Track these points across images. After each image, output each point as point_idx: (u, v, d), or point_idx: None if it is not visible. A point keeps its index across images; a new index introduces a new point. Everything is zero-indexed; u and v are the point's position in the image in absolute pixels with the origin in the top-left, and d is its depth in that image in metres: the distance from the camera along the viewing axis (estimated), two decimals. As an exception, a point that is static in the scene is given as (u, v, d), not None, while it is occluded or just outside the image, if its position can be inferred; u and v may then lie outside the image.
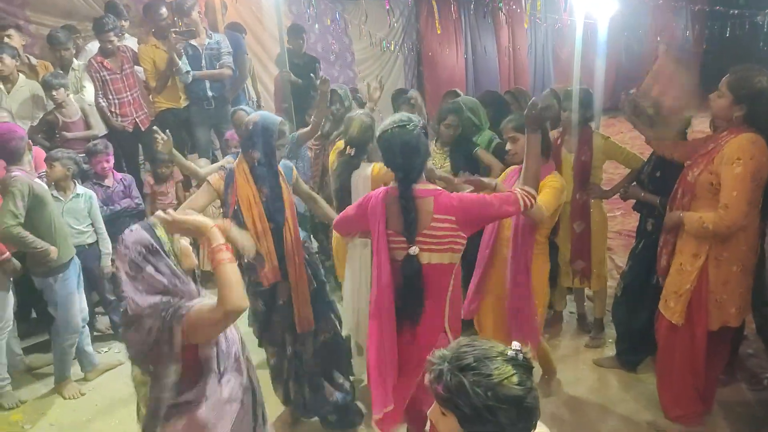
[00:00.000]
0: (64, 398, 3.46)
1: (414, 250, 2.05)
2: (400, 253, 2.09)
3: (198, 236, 1.71)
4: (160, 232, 1.72)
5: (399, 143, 2.06)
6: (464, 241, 2.11)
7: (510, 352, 1.21)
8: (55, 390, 3.49)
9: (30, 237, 3.10)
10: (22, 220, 3.06)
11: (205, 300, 1.73)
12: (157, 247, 1.69)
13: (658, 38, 10.48)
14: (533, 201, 2.15)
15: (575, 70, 3.64)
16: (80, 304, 3.43)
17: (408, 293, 2.09)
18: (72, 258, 3.36)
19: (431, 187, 2.13)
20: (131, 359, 1.76)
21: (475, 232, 2.21)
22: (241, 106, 3.67)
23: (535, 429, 1.24)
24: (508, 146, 2.78)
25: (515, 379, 1.17)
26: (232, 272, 1.64)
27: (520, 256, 2.55)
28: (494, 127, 3.67)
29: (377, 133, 2.20)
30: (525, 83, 10.23)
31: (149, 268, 1.67)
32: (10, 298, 3.34)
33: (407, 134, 2.06)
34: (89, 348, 3.60)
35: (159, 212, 1.72)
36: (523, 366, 1.21)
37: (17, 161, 3.10)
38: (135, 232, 1.71)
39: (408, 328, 2.14)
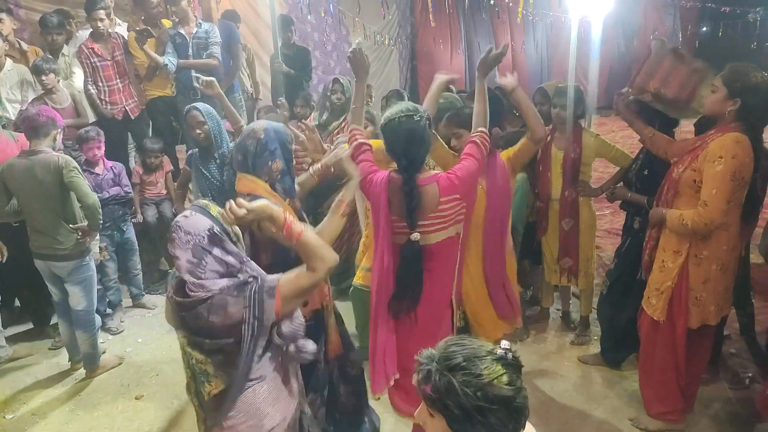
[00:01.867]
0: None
1: (415, 236, 2.10)
2: (402, 238, 2.15)
3: (269, 220, 1.72)
4: (214, 211, 1.71)
5: (404, 132, 2.08)
6: (465, 210, 2.20)
7: (499, 351, 1.19)
8: (88, 375, 3.50)
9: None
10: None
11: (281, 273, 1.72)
12: (219, 229, 1.67)
13: (651, 37, 10.51)
14: (487, 138, 2.23)
15: (570, 67, 3.64)
16: None
17: (409, 276, 2.15)
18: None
19: (431, 173, 2.18)
20: (192, 344, 1.69)
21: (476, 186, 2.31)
22: (195, 105, 3.30)
23: (524, 429, 1.22)
24: (453, 142, 2.75)
25: (505, 378, 1.15)
26: (313, 237, 1.71)
27: (495, 234, 2.61)
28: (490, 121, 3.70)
29: (382, 122, 2.21)
30: (523, 80, 10.22)
31: (216, 251, 1.65)
32: None
33: (413, 123, 2.08)
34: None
35: (229, 205, 1.68)
36: (512, 365, 1.19)
37: (43, 139, 3.16)
38: (193, 217, 1.66)
39: (414, 308, 2.19)
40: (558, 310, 3.95)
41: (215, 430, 1.75)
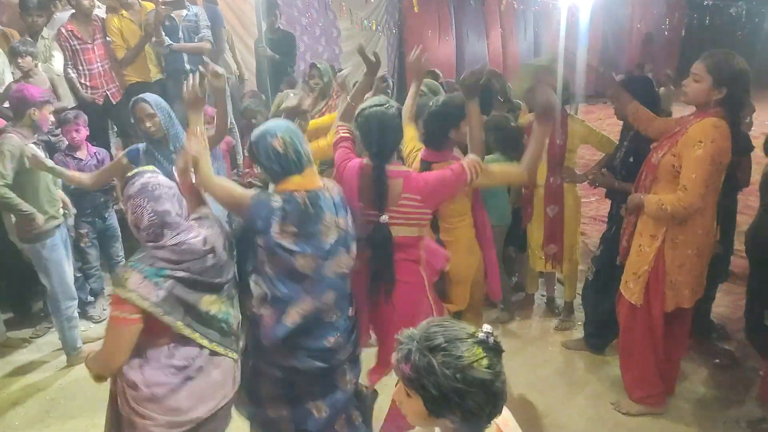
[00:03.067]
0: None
1: (384, 218, 2.14)
2: (371, 226, 2.17)
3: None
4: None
5: (376, 123, 2.14)
6: (430, 216, 2.22)
7: (481, 335, 1.18)
8: (68, 363, 3.45)
9: (16, 200, 3.08)
10: (10, 182, 3.05)
11: None
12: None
13: (638, 25, 10.55)
14: (479, 168, 2.17)
15: (559, 54, 3.63)
16: (71, 272, 3.39)
17: (379, 260, 2.18)
18: (60, 224, 3.32)
19: (402, 168, 2.23)
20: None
21: (445, 201, 2.35)
22: (142, 96, 2.95)
23: (500, 414, 1.22)
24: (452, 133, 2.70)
25: (485, 362, 1.14)
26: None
27: (481, 224, 2.72)
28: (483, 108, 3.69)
29: (356, 112, 2.25)
30: (515, 67, 10.16)
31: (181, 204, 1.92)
32: None
33: (383, 115, 2.14)
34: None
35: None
36: (493, 349, 1.18)
37: (18, 121, 3.11)
38: (161, 176, 1.90)
39: (387, 294, 2.21)
40: (543, 296, 3.97)
41: None
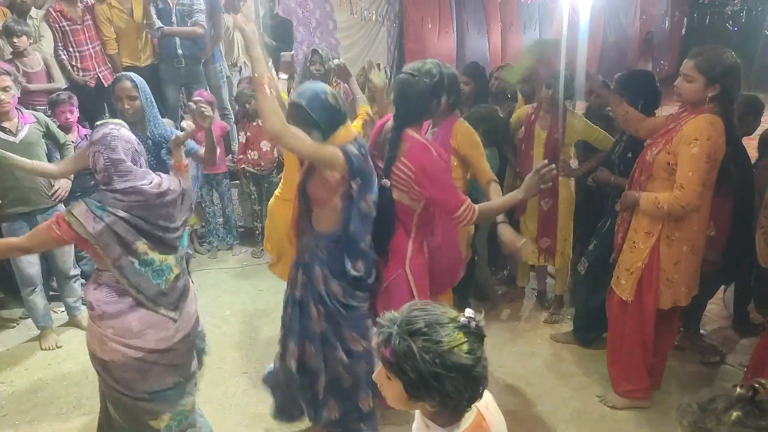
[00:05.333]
0: (41, 348, 3.45)
1: (385, 183, 2.26)
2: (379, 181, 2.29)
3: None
4: None
5: (401, 86, 2.27)
6: (419, 196, 2.26)
7: (462, 319, 1.17)
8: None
9: None
10: None
11: None
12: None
13: (638, 24, 10.52)
14: (471, 220, 2.25)
15: (561, 50, 3.62)
16: (31, 257, 3.34)
17: (380, 223, 2.28)
18: (28, 213, 3.26)
19: (417, 136, 2.27)
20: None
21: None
22: (126, 74, 2.84)
23: (481, 398, 1.22)
24: None
25: (465, 347, 1.13)
26: None
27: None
28: (478, 99, 3.73)
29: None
30: (516, 60, 10.10)
31: (141, 160, 2.10)
32: None
33: (411, 81, 2.25)
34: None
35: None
36: (474, 334, 1.17)
37: None
38: (124, 130, 2.08)
39: (378, 253, 2.33)
40: (534, 289, 3.98)
41: None
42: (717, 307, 3.70)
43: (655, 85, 3.15)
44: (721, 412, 1.04)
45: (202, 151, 2.95)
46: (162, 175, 2.17)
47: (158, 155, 2.88)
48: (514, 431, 2.60)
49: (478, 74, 3.93)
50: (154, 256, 2.08)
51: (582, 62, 3.56)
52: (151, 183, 2.05)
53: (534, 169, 2.25)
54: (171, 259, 2.15)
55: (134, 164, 2.04)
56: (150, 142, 2.84)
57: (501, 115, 3.61)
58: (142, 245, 2.04)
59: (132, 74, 2.84)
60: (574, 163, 3.70)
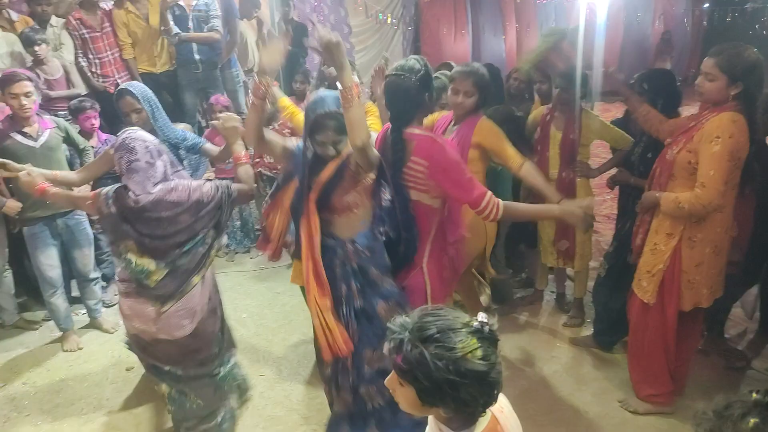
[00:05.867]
0: (63, 350, 3.51)
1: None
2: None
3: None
4: None
5: (392, 87, 2.24)
6: (437, 191, 2.23)
7: (475, 324, 1.14)
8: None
9: None
10: None
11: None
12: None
13: (657, 23, 10.37)
14: (497, 215, 2.17)
15: (578, 50, 3.59)
16: (52, 260, 3.39)
17: (404, 223, 2.28)
18: (46, 217, 3.31)
19: (420, 131, 2.26)
20: (140, 247, 2.29)
21: (443, 193, 2.28)
22: (127, 86, 2.79)
23: (495, 402, 1.19)
24: (460, 98, 2.79)
25: (479, 353, 1.11)
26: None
27: None
28: (493, 99, 3.65)
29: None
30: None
31: (160, 161, 2.26)
32: None
33: (401, 81, 2.20)
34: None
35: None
36: (488, 339, 1.14)
37: None
38: (141, 132, 2.28)
39: (392, 255, 2.31)
40: (552, 292, 3.93)
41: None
42: (742, 311, 3.61)
43: (675, 83, 3.09)
44: (738, 419, 1.01)
45: (215, 151, 2.98)
46: (180, 182, 2.29)
47: (178, 156, 2.91)
48: (532, 436, 2.60)
49: (493, 75, 3.89)
50: (133, 257, 2.26)
51: (599, 62, 3.51)
52: (147, 196, 2.20)
53: (581, 204, 2.24)
54: (151, 264, 2.26)
55: (154, 162, 2.22)
56: (166, 145, 2.86)
57: (520, 115, 3.57)
58: (126, 244, 2.25)
59: (132, 86, 2.80)
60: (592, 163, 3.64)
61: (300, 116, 3.09)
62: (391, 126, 2.28)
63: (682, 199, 2.38)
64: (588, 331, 3.45)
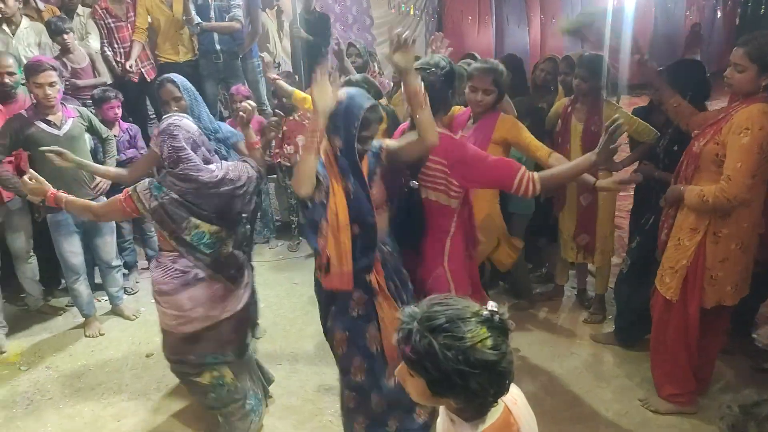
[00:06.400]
0: (86, 335, 3.57)
1: (414, 183, 2.21)
2: (403, 185, 2.24)
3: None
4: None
5: None
6: (459, 189, 2.19)
7: (485, 313, 1.12)
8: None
9: (4, 174, 3.22)
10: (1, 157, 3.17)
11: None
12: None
13: (687, 13, 10.10)
14: (535, 189, 2.10)
15: (605, 42, 3.52)
16: (75, 247, 3.44)
17: (408, 222, 2.26)
18: None
19: (439, 130, 2.19)
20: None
21: (474, 187, 2.27)
22: (169, 76, 2.83)
23: (507, 393, 1.17)
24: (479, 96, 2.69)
25: (489, 342, 1.08)
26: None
27: None
28: (516, 91, 3.58)
29: None
30: (558, 54, 9.86)
31: (201, 149, 2.28)
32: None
33: (428, 76, 2.14)
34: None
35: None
36: (498, 328, 1.11)
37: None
38: (186, 120, 2.29)
39: (412, 257, 2.29)
40: (573, 288, 3.86)
41: None
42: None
43: (704, 74, 3.00)
44: (765, 419, 0.97)
45: (243, 144, 2.90)
46: (227, 163, 2.36)
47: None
48: (549, 433, 2.56)
49: (516, 66, 3.83)
50: (204, 228, 2.27)
51: (626, 54, 3.42)
52: (209, 173, 2.24)
53: (605, 130, 2.02)
54: (222, 232, 2.31)
55: (194, 152, 2.23)
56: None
57: (541, 106, 3.51)
58: (195, 220, 2.25)
59: (173, 75, 2.85)
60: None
61: (310, 102, 3.05)
62: (410, 121, 2.23)
63: (706, 192, 2.31)
64: (609, 328, 3.39)
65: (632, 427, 2.63)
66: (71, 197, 2.40)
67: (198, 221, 2.25)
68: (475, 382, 1.08)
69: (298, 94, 3.23)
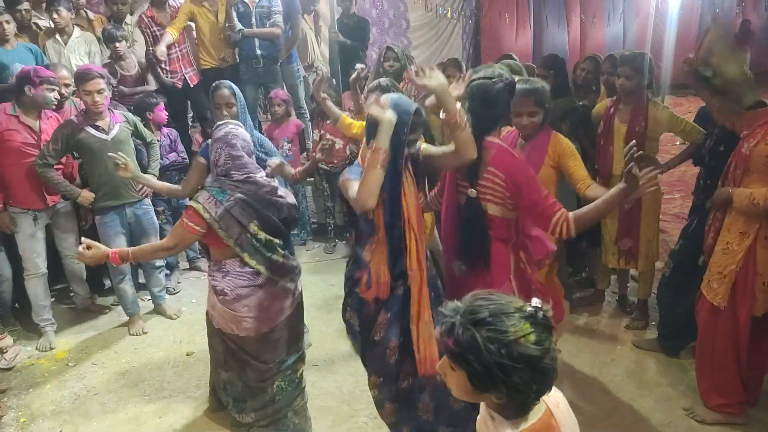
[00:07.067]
0: (130, 333, 3.69)
1: (472, 192, 2.18)
2: (464, 197, 2.22)
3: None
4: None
5: (479, 95, 2.17)
6: (513, 204, 2.17)
7: (529, 309, 1.12)
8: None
9: (56, 178, 3.36)
10: (52, 162, 3.30)
11: None
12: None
13: (737, 10, 9.72)
14: (569, 233, 2.05)
15: (647, 40, 3.43)
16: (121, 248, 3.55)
17: (470, 234, 2.22)
18: (117, 206, 3.48)
19: (500, 142, 2.21)
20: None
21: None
22: (224, 82, 2.98)
23: (549, 392, 1.16)
24: (515, 119, 2.62)
25: (533, 337, 1.08)
26: None
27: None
28: (557, 92, 3.50)
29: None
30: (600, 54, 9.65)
31: (253, 157, 2.44)
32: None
33: (487, 86, 2.15)
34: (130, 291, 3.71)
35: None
36: (542, 325, 1.11)
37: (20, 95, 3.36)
38: (242, 129, 2.40)
39: (477, 271, 2.24)
40: (614, 293, 3.76)
41: None
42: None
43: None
44: None
45: (289, 169, 2.95)
46: (270, 179, 2.49)
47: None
48: (589, 440, 2.50)
49: (558, 67, 3.78)
50: (262, 235, 2.36)
51: (670, 53, 3.31)
52: (263, 176, 2.38)
53: (625, 163, 1.96)
54: (276, 240, 2.42)
55: (249, 160, 2.35)
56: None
57: (583, 105, 3.43)
58: (253, 226, 2.33)
59: (229, 82, 2.97)
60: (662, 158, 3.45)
61: (357, 128, 3.06)
62: (472, 130, 2.14)
63: (757, 195, 2.23)
64: (652, 334, 3.29)
65: (677, 438, 2.55)
66: (136, 248, 2.43)
67: (256, 227, 2.34)
68: (517, 376, 1.08)
69: (346, 119, 3.16)
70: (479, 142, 2.13)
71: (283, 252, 2.47)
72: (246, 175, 2.32)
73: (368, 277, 2.10)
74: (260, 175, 2.40)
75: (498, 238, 2.21)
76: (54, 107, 3.48)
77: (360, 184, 2.00)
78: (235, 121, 2.51)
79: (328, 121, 4.46)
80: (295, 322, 2.58)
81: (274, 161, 2.74)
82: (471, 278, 2.22)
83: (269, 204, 2.39)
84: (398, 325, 2.14)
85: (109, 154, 3.04)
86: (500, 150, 2.15)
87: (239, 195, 2.29)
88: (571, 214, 2.06)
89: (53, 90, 3.36)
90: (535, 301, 1.14)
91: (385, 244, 2.08)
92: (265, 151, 3.00)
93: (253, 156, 2.42)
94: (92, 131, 3.32)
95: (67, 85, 3.62)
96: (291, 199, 2.52)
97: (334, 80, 4.77)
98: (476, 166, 2.15)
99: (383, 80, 3.12)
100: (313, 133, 4.72)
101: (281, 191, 2.47)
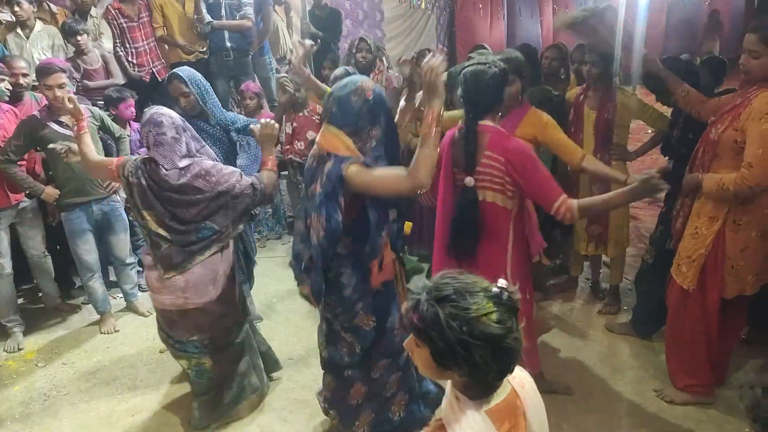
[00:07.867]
0: (101, 332, 3.63)
1: (469, 181, 2.16)
2: (460, 189, 2.21)
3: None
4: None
5: (471, 78, 2.17)
6: (514, 188, 2.16)
7: (494, 289, 1.13)
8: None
9: (19, 175, 3.27)
10: (14, 158, 3.22)
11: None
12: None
13: (707, 2, 9.89)
14: (572, 218, 2.07)
15: (618, 31, 3.45)
16: (89, 245, 3.50)
17: (464, 226, 2.20)
18: (81, 204, 3.40)
19: (495, 125, 2.20)
20: (167, 220, 2.39)
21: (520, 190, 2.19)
22: (175, 72, 2.83)
23: (512, 373, 1.17)
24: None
25: (495, 316, 1.09)
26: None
27: None
28: (534, 82, 3.59)
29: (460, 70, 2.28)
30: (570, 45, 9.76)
31: (186, 135, 2.37)
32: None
33: (480, 73, 2.15)
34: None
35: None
36: (505, 305, 1.12)
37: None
38: (168, 110, 2.35)
39: (470, 265, 2.18)
40: (587, 279, 3.81)
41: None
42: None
43: (696, 74, 2.95)
44: None
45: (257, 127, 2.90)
46: (210, 163, 2.38)
47: (230, 138, 2.97)
48: (563, 423, 2.52)
49: (530, 56, 3.79)
50: (151, 222, 2.36)
51: (640, 42, 3.34)
52: (175, 168, 2.29)
53: (645, 178, 1.96)
54: (166, 234, 2.37)
55: (178, 138, 2.30)
56: (218, 128, 2.92)
57: (557, 93, 3.46)
58: (148, 212, 2.34)
59: (181, 70, 2.83)
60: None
61: None
62: (466, 116, 2.20)
63: (726, 180, 2.26)
64: (624, 318, 3.34)
65: (647, 418, 2.59)
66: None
67: (149, 214, 2.34)
68: (477, 354, 1.08)
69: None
70: (474, 127, 2.14)
71: (166, 246, 2.38)
72: (161, 155, 2.27)
73: (380, 261, 2.09)
74: (204, 156, 2.39)
75: (494, 232, 2.20)
76: (6, 98, 3.37)
77: (422, 162, 1.83)
78: (159, 105, 2.44)
79: (301, 113, 4.42)
80: (194, 316, 2.50)
81: (256, 127, 2.63)
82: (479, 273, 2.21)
83: (174, 198, 2.32)
84: (394, 301, 2.21)
85: (50, 145, 2.98)
86: (496, 133, 2.16)
87: (144, 183, 2.30)
88: (576, 202, 2.07)
89: (2, 80, 3.27)
90: (501, 282, 1.15)
91: (391, 225, 2.12)
92: (243, 127, 2.97)
93: (188, 133, 2.38)
94: (56, 127, 3.24)
95: (25, 75, 3.51)
96: (233, 183, 2.37)
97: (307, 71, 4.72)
98: (472, 153, 2.14)
99: (350, 68, 3.11)
100: (284, 125, 4.67)
101: (207, 176, 2.33)
